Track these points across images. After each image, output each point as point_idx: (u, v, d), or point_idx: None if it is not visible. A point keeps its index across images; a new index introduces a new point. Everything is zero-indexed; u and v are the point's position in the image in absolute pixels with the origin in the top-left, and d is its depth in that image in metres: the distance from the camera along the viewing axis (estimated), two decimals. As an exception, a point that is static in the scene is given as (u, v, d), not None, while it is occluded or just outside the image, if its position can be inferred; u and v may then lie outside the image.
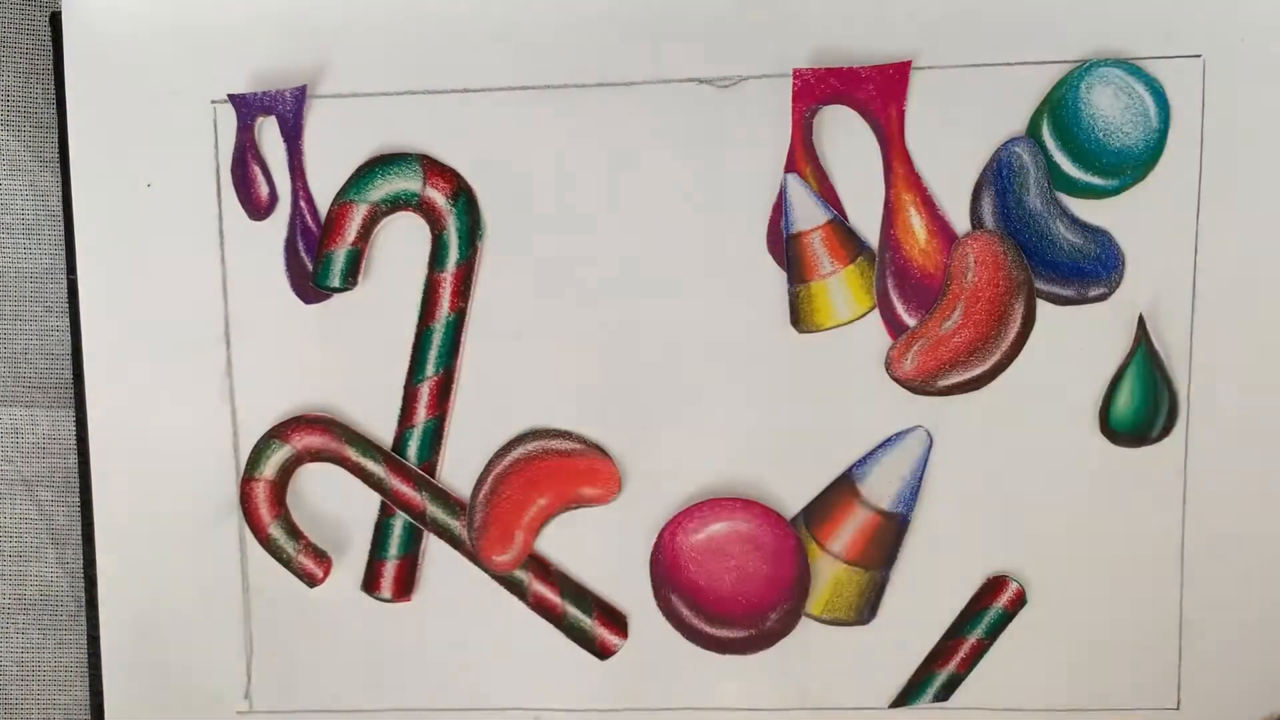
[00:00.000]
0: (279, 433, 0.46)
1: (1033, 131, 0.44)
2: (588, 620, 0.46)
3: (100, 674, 0.48)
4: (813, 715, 0.46)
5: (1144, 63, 0.43)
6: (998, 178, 0.44)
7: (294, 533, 0.47)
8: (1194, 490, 0.45)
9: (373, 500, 0.47)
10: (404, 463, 0.46)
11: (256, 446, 0.47)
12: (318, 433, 0.46)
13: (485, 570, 0.46)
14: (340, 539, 0.47)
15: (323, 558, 0.47)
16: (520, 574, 0.46)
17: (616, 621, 0.46)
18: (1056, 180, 0.44)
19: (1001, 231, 0.44)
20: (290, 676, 0.48)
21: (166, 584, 0.48)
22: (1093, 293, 0.44)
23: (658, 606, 0.46)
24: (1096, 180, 0.44)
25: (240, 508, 0.47)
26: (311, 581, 0.47)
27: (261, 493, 0.47)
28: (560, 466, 0.46)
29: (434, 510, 0.46)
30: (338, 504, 0.47)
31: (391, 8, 0.45)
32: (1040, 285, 0.44)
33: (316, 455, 0.46)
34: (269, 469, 0.47)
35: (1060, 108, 0.43)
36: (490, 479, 0.46)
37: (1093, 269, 0.44)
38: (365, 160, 0.45)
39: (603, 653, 0.47)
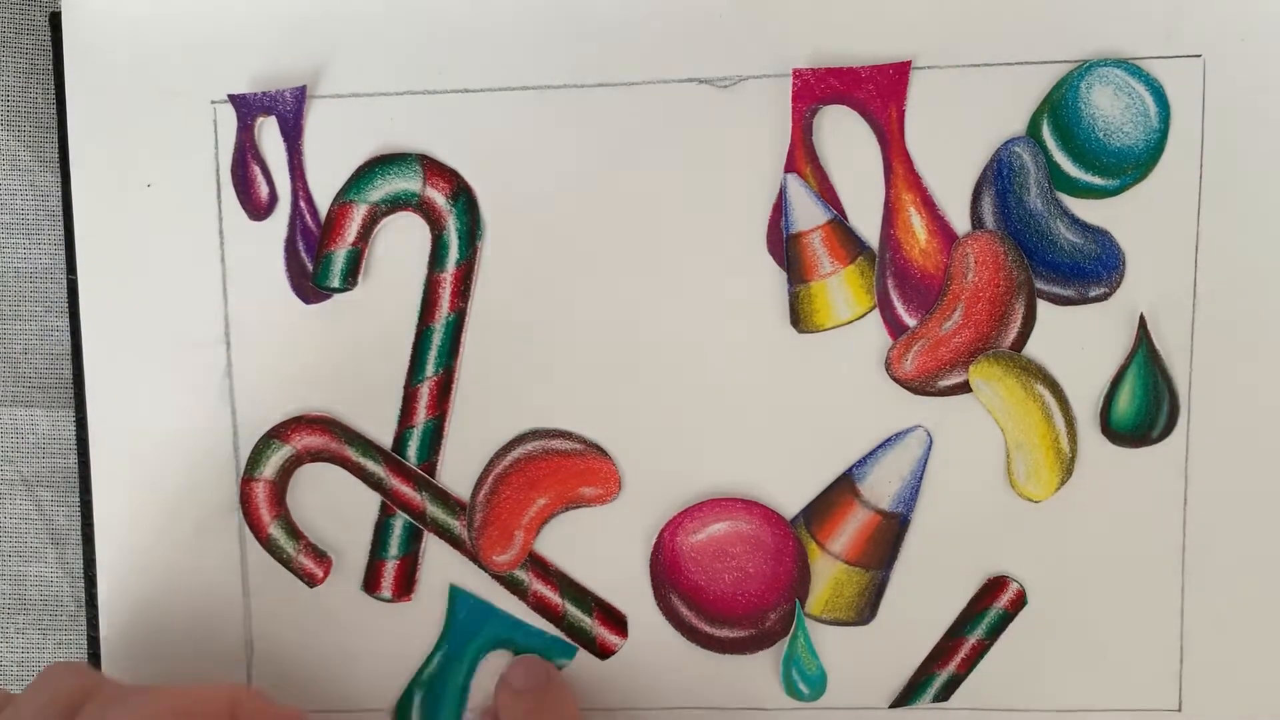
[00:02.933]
0: (279, 433, 0.46)
1: (1033, 131, 0.44)
2: (588, 620, 0.46)
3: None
4: (813, 715, 0.46)
5: (1144, 63, 0.43)
6: (998, 178, 0.44)
7: (294, 533, 0.47)
8: (1194, 490, 0.45)
9: (373, 500, 0.47)
10: (404, 463, 0.46)
11: (256, 446, 0.47)
12: (318, 433, 0.46)
13: (485, 570, 0.46)
14: (340, 539, 0.47)
15: (323, 558, 0.47)
16: (520, 574, 0.46)
17: (616, 621, 0.46)
18: (1057, 180, 0.44)
19: (1002, 231, 0.44)
20: (290, 676, 0.48)
21: (166, 584, 0.48)
22: (1093, 293, 0.44)
23: (658, 606, 0.46)
24: (1097, 180, 0.44)
25: (240, 508, 0.47)
26: (311, 581, 0.47)
27: (261, 493, 0.47)
28: (560, 466, 0.46)
29: (434, 510, 0.46)
30: (338, 504, 0.47)
31: (391, 8, 0.45)
32: (1040, 285, 0.44)
33: (316, 455, 0.46)
34: (269, 469, 0.47)
35: (1060, 108, 0.43)
36: (490, 479, 0.46)
37: (1093, 269, 0.44)
38: (365, 160, 0.45)
39: (603, 653, 0.47)
